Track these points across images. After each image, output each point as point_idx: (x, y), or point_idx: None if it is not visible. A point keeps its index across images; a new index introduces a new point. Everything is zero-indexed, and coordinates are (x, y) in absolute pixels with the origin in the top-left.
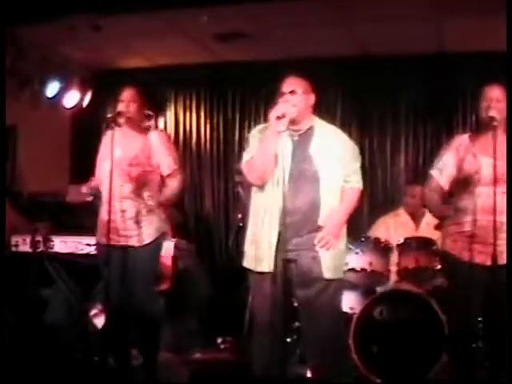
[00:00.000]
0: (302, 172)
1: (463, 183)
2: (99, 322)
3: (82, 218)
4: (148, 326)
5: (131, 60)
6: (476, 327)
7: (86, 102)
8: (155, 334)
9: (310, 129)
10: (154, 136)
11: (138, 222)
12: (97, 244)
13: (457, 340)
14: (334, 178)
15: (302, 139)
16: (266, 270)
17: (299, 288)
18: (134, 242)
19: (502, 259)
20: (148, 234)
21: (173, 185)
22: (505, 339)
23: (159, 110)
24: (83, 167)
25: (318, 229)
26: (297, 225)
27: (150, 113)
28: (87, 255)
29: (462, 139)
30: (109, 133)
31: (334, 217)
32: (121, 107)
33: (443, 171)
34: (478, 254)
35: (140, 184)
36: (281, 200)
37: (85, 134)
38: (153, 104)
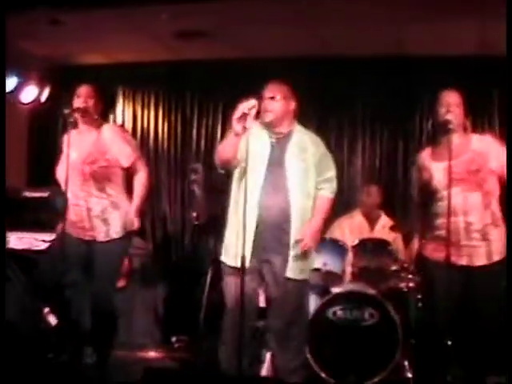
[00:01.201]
0: (276, 175)
1: (426, 193)
2: (53, 319)
3: (39, 214)
4: (106, 323)
5: (90, 56)
6: (448, 328)
7: (44, 98)
8: (112, 331)
9: (289, 134)
10: (106, 129)
11: (104, 220)
12: (60, 240)
13: (428, 340)
14: (306, 184)
15: (280, 143)
16: (239, 265)
17: (269, 287)
18: (100, 238)
19: (472, 260)
20: (115, 231)
21: (140, 179)
22: (477, 340)
23: (116, 106)
24: (41, 163)
25: (297, 241)
26: (271, 227)
27: (97, 117)
28: (43, 252)
29: (421, 153)
30: (66, 134)
31: (312, 225)
32: (77, 103)
33: (413, 186)
34: (449, 255)
35: (99, 180)
36: (257, 202)
37: (43, 130)
38: (109, 101)
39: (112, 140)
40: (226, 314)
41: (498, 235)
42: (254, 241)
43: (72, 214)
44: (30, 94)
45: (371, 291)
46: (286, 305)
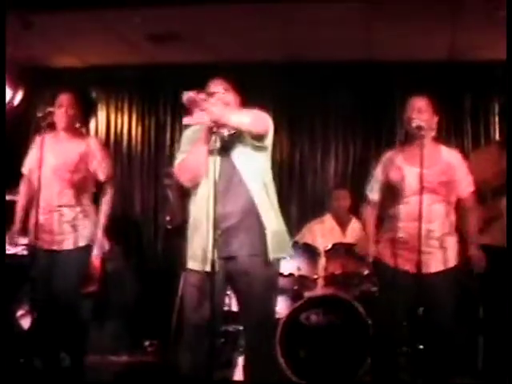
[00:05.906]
0: (231, 173)
1: (391, 193)
2: (25, 323)
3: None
4: (76, 328)
5: (64, 59)
6: (401, 332)
7: (17, 101)
8: (83, 336)
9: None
10: (93, 142)
11: (74, 226)
12: (28, 245)
13: (381, 344)
14: (261, 175)
15: (230, 139)
16: (205, 269)
17: (240, 282)
18: (68, 245)
19: (428, 267)
20: (82, 237)
21: (111, 192)
22: (430, 345)
23: (94, 114)
24: (13, 167)
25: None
26: (234, 227)
27: (81, 125)
28: (14, 256)
29: (390, 153)
30: (40, 138)
31: None
32: (59, 112)
33: (374, 186)
34: (406, 260)
35: (77, 189)
36: (213, 203)
37: (15, 133)
38: (89, 109)
39: (96, 153)
40: (189, 321)
41: (452, 243)
42: (216, 240)
43: (42, 219)
44: None
45: (344, 295)
46: (254, 298)
